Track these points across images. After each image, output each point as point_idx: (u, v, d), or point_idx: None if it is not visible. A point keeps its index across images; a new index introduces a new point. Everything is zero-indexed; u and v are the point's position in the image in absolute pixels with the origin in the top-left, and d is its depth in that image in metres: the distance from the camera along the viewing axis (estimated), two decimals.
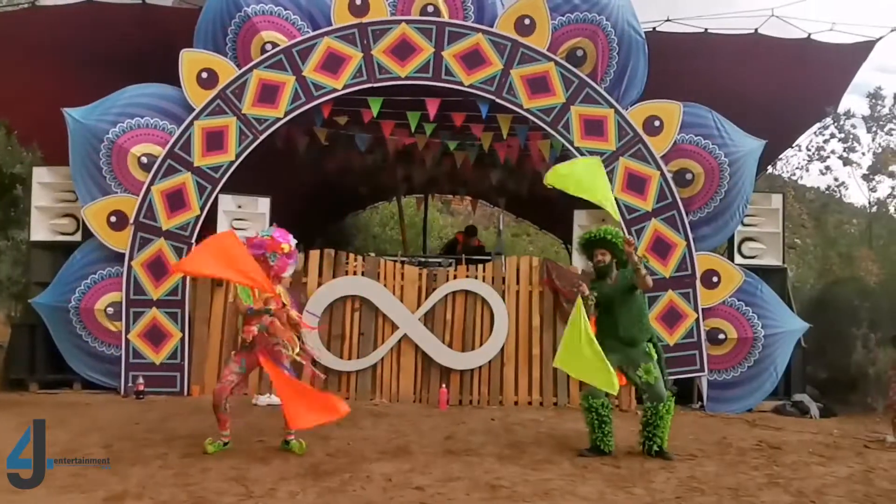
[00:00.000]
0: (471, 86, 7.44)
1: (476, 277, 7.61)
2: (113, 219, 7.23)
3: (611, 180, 7.37)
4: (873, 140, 9.15)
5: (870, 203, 9.48)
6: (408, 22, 7.45)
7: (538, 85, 7.44)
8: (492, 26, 7.47)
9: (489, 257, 9.49)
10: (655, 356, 5.24)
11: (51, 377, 7.38)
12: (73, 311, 7.14)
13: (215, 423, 4.97)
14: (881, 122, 9.10)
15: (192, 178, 7.30)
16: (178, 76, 7.31)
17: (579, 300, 4.96)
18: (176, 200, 7.29)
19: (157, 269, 7.23)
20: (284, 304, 4.90)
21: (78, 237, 7.53)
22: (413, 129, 7.86)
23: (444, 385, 7.28)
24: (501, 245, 14.74)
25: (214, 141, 7.33)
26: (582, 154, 7.43)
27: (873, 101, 9.16)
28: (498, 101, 7.47)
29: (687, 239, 7.40)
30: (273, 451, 5.02)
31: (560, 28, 7.47)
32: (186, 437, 5.28)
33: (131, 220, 7.21)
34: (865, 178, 9.18)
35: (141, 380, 7.07)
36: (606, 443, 5.15)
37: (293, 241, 5.06)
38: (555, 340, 7.49)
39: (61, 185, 7.64)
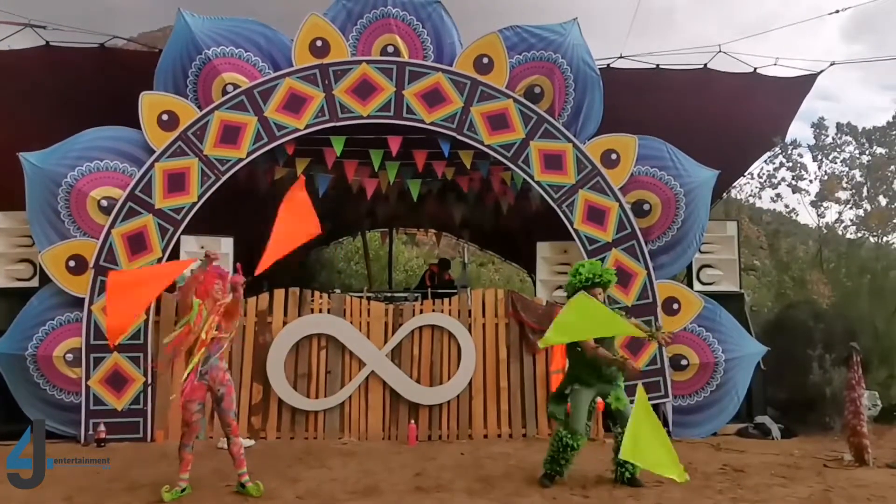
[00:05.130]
0: (432, 123, 7.58)
1: (442, 311, 7.66)
2: (72, 263, 7.11)
3: (571, 213, 7.59)
4: (819, 168, 9.56)
5: (819, 227, 9.84)
6: (368, 62, 7.59)
7: (498, 121, 7.61)
8: (451, 65, 7.65)
9: (455, 291, 9.56)
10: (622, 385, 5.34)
11: (6, 428, 7.13)
12: (30, 360, 6.95)
13: (178, 469, 4.88)
14: (826, 151, 9.50)
15: (154, 221, 7.25)
16: (138, 119, 7.29)
17: (641, 390, 4.69)
18: (137, 243, 7.21)
19: None
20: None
21: (35, 283, 7.38)
22: (376, 168, 7.95)
23: (412, 421, 7.26)
24: (467, 278, 14.83)
25: (176, 183, 7.30)
26: (542, 188, 7.59)
27: (817, 130, 9.57)
28: (459, 137, 7.61)
29: (647, 268, 7.58)
30: (239, 496, 4.94)
31: (517, 66, 7.69)
32: (151, 486, 5.14)
33: (91, 264, 7.10)
34: (814, 204, 9.54)
35: (102, 427, 6.90)
36: (567, 469, 5.27)
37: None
38: (522, 371, 7.56)
39: (17, 231, 7.51)
